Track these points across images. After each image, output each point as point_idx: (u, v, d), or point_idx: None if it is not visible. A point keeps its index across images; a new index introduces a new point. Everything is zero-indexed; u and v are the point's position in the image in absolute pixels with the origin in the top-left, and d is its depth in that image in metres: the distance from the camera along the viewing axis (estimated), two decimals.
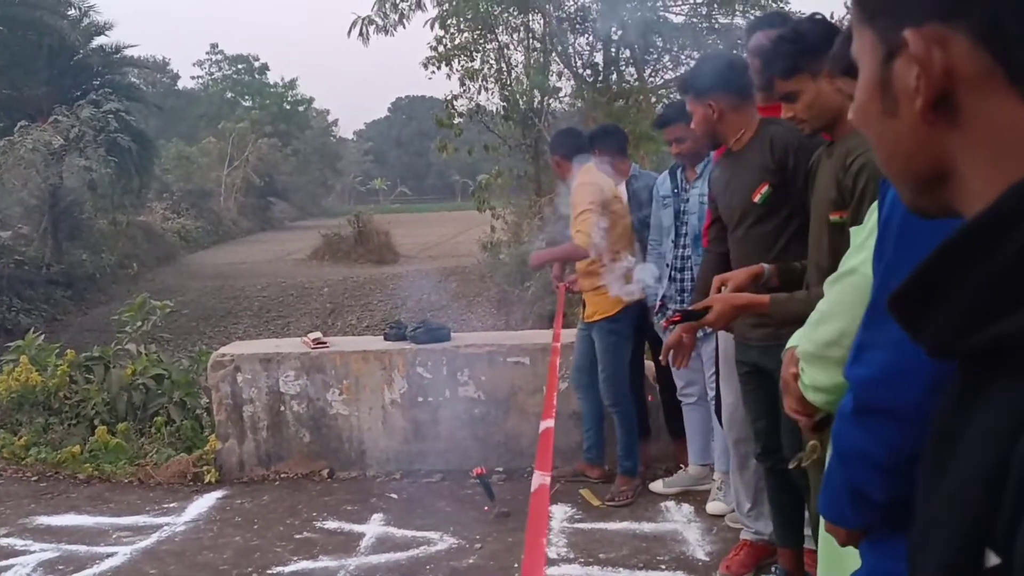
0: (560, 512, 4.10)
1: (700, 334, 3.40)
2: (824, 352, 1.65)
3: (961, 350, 0.54)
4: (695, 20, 14.25)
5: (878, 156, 0.62)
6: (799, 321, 1.79)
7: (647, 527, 3.90)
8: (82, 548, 3.98)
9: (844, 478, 1.37)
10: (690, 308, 2.48)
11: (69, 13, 22.76)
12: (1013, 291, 0.50)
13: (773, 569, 3.19)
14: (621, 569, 3.51)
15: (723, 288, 2.44)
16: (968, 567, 0.50)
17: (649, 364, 4.68)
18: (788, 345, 1.82)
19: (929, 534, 0.56)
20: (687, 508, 4.07)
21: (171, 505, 4.47)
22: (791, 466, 1.94)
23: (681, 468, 4.33)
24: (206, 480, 4.74)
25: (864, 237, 1.60)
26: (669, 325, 2.94)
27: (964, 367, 0.57)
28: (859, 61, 0.61)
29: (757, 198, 2.77)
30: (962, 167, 0.56)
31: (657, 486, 4.25)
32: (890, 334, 1.17)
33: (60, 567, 3.78)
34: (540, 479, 2.00)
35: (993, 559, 0.49)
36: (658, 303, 3.99)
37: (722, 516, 3.90)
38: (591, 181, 4.08)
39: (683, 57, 14.22)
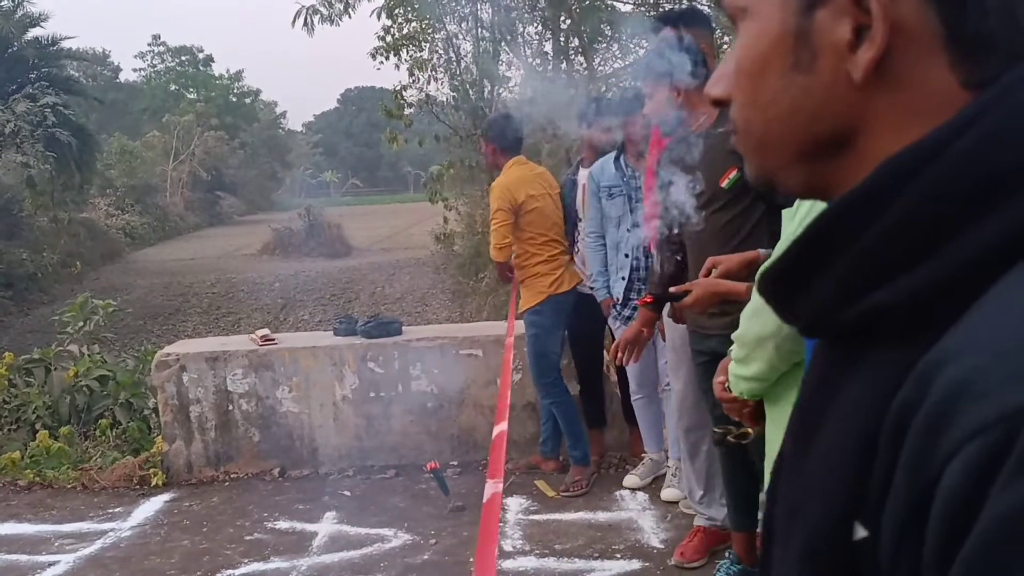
0: (515, 504, 4.09)
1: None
2: (759, 345, 1.69)
3: (834, 325, 0.53)
4: (643, 9, 14.29)
5: (760, 116, 0.57)
6: None
7: (602, 516, 3.91)
8: (23, 557, 3.85)
9: None
10: (670, 290, 2.44)
11: (1, 4, 21.99)
12: (888, 263, 0.49)
13: (728, 554, 3.22)
14: (577, 559, 3.51)
15: (713, 271, 2.40)
16: (836, 540, 0.50)
17: (605, 354, 4.68)
18: (729, 349, 1.85)
19: (796, 512, 0.55)
20: (641, 496, 4.09)
21: (116, 510, 4.35)
22: (721, 437, 1.96)
23: (646, 456, 4.30)
24: (153, 483, 4.62)
25: (793, 229, 1.61)
26: (642, 305, 2.94)
27: (831, 344, 0.56)
28: (752, 12, 0.57)
29: (725, 183, 2.74)
30: (871, 131, 0.53)
31: (633, 481, 4.19)
32: None
33: None
34: (493, 487, 1.95)
35: (861, 532, 0.48)
36: (621, 296, 3.95)
37: (676, 503, 3.92)
38: (503, 184, 4.16)
39: (632, 46, 14.27)
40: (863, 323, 0.51)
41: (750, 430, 1.83)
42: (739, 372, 1.77)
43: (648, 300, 2.65)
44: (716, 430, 1.96)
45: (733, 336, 1.80)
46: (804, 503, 0.54)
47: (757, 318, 1.70)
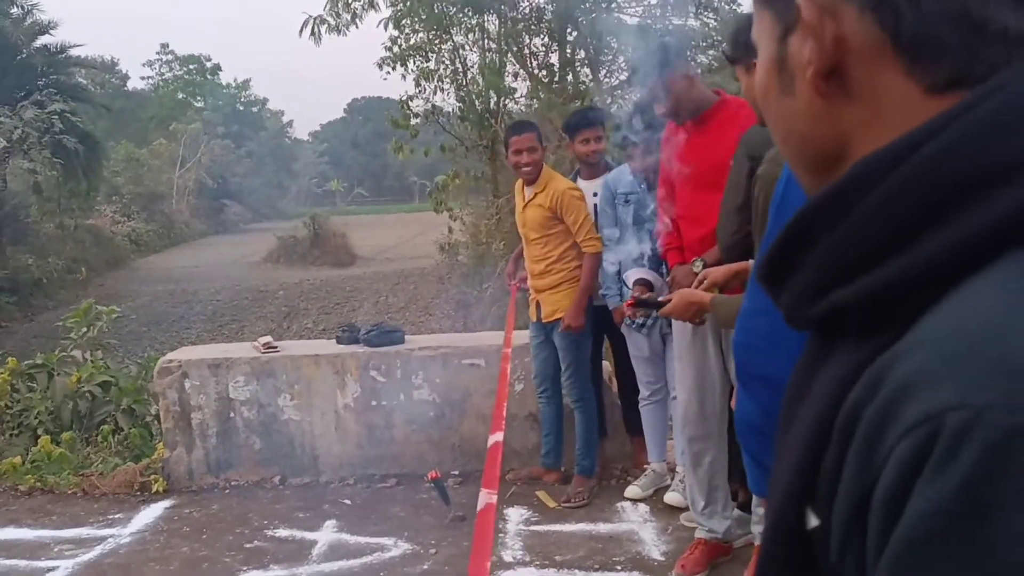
0: (516, 515, 4.07)
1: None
2: None
3: (807, 318, 0.56)
4: (649, 21, 14.33)
5: (776, 138, 0.62)
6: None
7: (603, 528, 3.89)
8: (22, 563, 3.84)
9: (744, 447, 1.40)
10: (660, 299, 2.53)
11: (12, 11, 22.14)
12: (850, 261, 0.51)
13: None
14: (577, 571, 3.49)
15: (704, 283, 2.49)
16: (792, 527, 0.52)
17: (606, 364, 4.68)
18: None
19: (772, 493, 0.57)
20: (643, 508, 4.06)
21: (116, 516, 4.34)
22: None
23: (649, 468, 4.28)
24: (153, 489, 4.61)
25: None
26: (630, 307, 2.99)
27: (814, 335, 0.59)
28: (759, 44, 0.61)
29: None
30: (855, 143, 0.55)
31: (634, 492, 4.17)
32: (766, 300, 1.25)
33: None
34: (487, 498, 1.95)
35: (814, 520, 0.50)
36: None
37: (678, 513, 3.90)
38: (576, 187, 4.15)
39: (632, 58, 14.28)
40: (828, 318, 0.53)
41: None
42: None
43: (631, 303, 2.72)
44: None
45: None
46: (774, 486, 0.56)
47: None
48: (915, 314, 0.48)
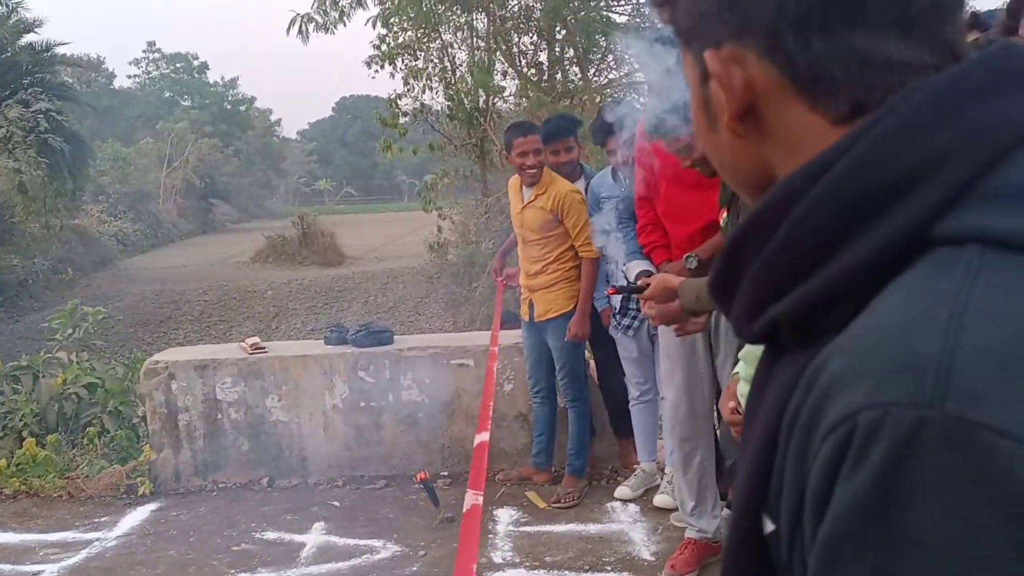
0: (505, 516, 4.06)
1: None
2: None
3: (752, 334, 0.58)
4: (638, 20, 14.33)
5: (714, 167, 0.66)
6: (697, 306, 1.85)
7: (593, 528, 3.88)
8: (6, 567, 3.81)
9: None
10: (639, 283, 2.57)
11: None
12: (779, 277, 0.54)
13: None
14: (567, 572, 3.48)
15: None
16: (750, 532, 0.55)
17: (592, 364, 4.67)
18: (733, 372, 1.83)
19: (734, 503, 0.60)
20: (632, 508, 4.06)
21: (102, 519, 4.31)
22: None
23: (638, 468, 4.29)
24: (140, 492, 4.57)
25: None
26: (613, 293, 3.00)
27: (765, 350, 0.62)
28: (688, 82, 0.64)
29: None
30: (780, 172, 0.58)
31: (624, 492, 4.17)
32: None
33: None
34: (472, 499, 1.94)
35: (770, 525, 0.53)
36: (618, 305, 3.95)
37: (667, 513, 3.90)
38: (578, 189, 4.13)
39: (627, 57, 14.28)
40: (770, 333, 0.56)
41: None
42: None
43: (613, 291, 2.75)
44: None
45: (741, 355, 1.77)
46: (735, 495, 0.59)
47: None
48: (845, 322, 0.50)
